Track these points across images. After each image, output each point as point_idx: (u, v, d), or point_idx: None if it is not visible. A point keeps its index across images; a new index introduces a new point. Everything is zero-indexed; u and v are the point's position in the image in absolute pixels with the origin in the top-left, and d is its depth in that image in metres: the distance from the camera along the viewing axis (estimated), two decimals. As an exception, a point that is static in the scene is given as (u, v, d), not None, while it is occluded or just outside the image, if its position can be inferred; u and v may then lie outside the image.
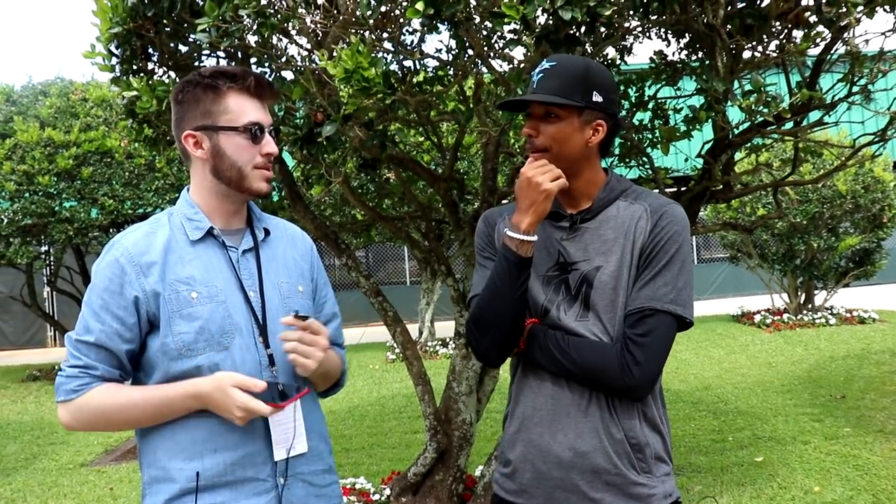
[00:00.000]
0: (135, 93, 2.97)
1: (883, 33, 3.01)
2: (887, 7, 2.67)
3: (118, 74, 3.16)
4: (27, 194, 9.25)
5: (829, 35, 3.06)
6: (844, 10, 2.54)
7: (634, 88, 3.76)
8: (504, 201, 4.20)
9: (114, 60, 3.12)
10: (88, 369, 1.60)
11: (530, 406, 1.75)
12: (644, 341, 1.62)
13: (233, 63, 3.29)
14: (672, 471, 1.75)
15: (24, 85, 10.78)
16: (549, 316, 1.72)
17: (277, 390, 1.62)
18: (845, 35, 3.13)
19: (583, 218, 1.74)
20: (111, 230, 9.79)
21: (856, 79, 3.33)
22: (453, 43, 2.90)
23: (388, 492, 4.24)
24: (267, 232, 1.80)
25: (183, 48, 3.27)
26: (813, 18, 2.74)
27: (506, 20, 2.24)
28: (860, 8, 2.54)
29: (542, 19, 2.46)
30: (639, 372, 1.60)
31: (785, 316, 11.22)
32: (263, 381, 1.58)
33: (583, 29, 2.44)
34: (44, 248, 11.07)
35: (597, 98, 1.68)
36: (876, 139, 3.62)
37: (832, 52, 3.32)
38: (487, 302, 1.71)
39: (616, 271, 1.67)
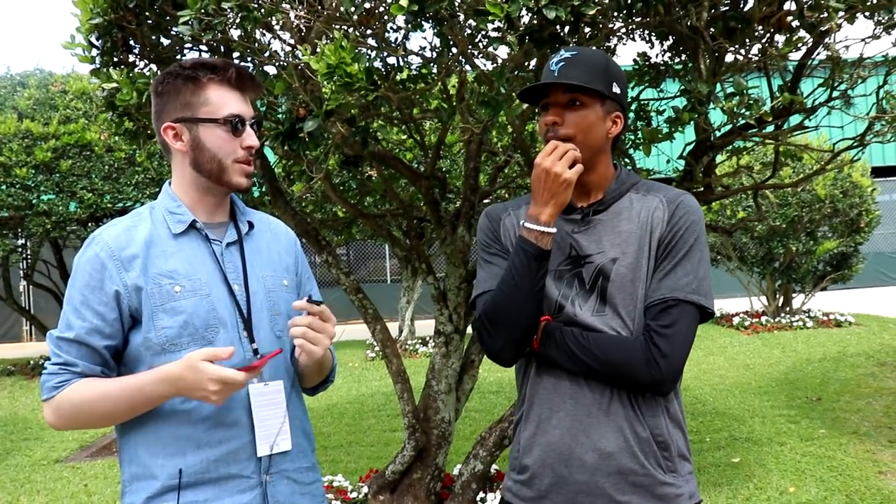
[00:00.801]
0: (115, 85, 2.94)
1: (863, 39, 3.05)
2: (867, 14, 2.70)
3: (98, 66, 3.12)
4: (4, 186, 9.12)
5: (811, 40, 3.09)
6: (826, 15, 2.56)
7: (617, 90, 3.77)
8: (486, 200, 4.20)
9: (94, 52, 3.08)
10: (69, 366, 1.58)
11: (547, 408, 1.68)
12: (669, 332, 1.57)
13: (215, 57, 3.27)
14: (693, 469, 1.70)
15: (2, 76, 10.65)
16: (563, 312, 1.66)
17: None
18: (826, 40, 3.16)
19: (595, 210, 1.70)
20: (90, 224, 9.69)
21: (836, 84, 3.36)
22: (437, 40, 2.89)
23: (365, 490, 4.23)
24: (251, 225, 1.78)
25: (164, 41, 3.24)
26: (795, 23, 2.76)
27: (490, 18, 2.24)
28: (841, 13, 2.57)
29: (526, 18, 2.46)
30: (665, 365, 1.55)
31: (763, 318, 11.32)
32: (231, 347, 1.54)
33: (567, 28, 2.44)
34: (20, 242, 10.95)
35: (616, 90, 1.66)
36: (855, 144, 3.66)
37: (813, 56, 3.35)
38: (504, 297, 1.64)
39: (634, 263, 1.63)
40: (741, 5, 2.88)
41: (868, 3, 2.62)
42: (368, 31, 2.89)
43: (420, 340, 11.10)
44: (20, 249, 11.16)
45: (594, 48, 1.98)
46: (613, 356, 1.58)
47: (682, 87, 3.01)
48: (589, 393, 1.63)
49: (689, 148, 3.65)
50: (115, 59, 3.13)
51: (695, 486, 1.67)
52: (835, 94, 3.40)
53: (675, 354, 1.56)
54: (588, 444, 1.61)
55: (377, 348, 9.65)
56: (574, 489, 1.62)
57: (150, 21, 3.01)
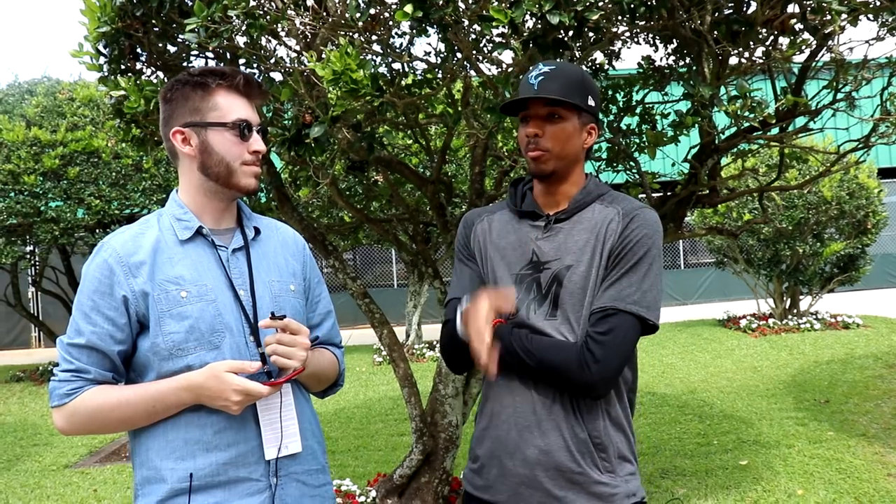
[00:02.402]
0: (122, 92, 2.96)
1: (867, 41, 3.05)
2: (870, 16, 2.70)
3: (106, 74, 3.14)
4: (12, 194, 9.17)
5: (815, 42, 3.09)
6: (829, 17, 2.56)
7: (622, 93, 3.78)
8: (491, 205, 4.21)
9: (102, 60, 3.10)
10: (81, 373, 1.60)
11: (499, 404, 1.78)
12: (604, 339, 1.64)
13: (221, 64, 3.29)
14: (637, 470, 1.78)
15: (9, 84, 10.71)
16: (517, 315, 1.75)
17: (268, 377, 1.64)
18: (830, 42, 3.17)
19: (558, 218, 1.78)
20: (97, 230, 9.73)
21: (840, 86, 3.37)
22: (442, 46, 2.91)
23: (373, 494, 4.24)
24: (257, 231, 1.80)
25: (171, 48, 3.27)
26: (798, 26, 2.77)
27: (494, 24, 2.25)
28: (844, 16, 2.57)
29: (530, 23, 2.48)
30: (597, 369, 1.62)
31: (770, 321, 11.28)
32: (258, 362, 1.59)
33: (570, 33, 2.45)
34: (29, 248, 10.99)
35: (591, 102, 1.75)
36: (860, 146, 3.66)
37: (817, 59, 3.35)
38: (446, 341, 1.81)
39: (586, 271, 1.71)
40: (744, 9, 2.89)
41: (871, 6, 2.62)
42: (373, 37, 2.91)
43: (427, 345, 11.10)
44: (29, 256, 11.20)
45: (570, 62, 2.05)
46: (551, 358, 1.67)
47: (687, 91, 3.02)
48: (535, 393, 1.72)
49: (693, 151, 3.66)
50: (123, 67, 3.16)
51: (636, 485, 1.75)
52: (839, 95, 3.40)
53: (608, 360, 1.63)
54: (530, 439, 1.71)
55: (384, 353, 9.65)
56: (516, 481, 1.72)
57: (157, 29, 3.04)
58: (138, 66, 3.22)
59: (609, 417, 1.72)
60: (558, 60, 1.80)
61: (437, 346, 9.05)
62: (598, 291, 1.69)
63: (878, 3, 2.64)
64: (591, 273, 1.70)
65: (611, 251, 1.70)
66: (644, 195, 3.75)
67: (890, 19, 2.78)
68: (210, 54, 3.29)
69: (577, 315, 1.69)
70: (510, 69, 3.00)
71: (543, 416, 1.70)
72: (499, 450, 1.76)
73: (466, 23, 2.65)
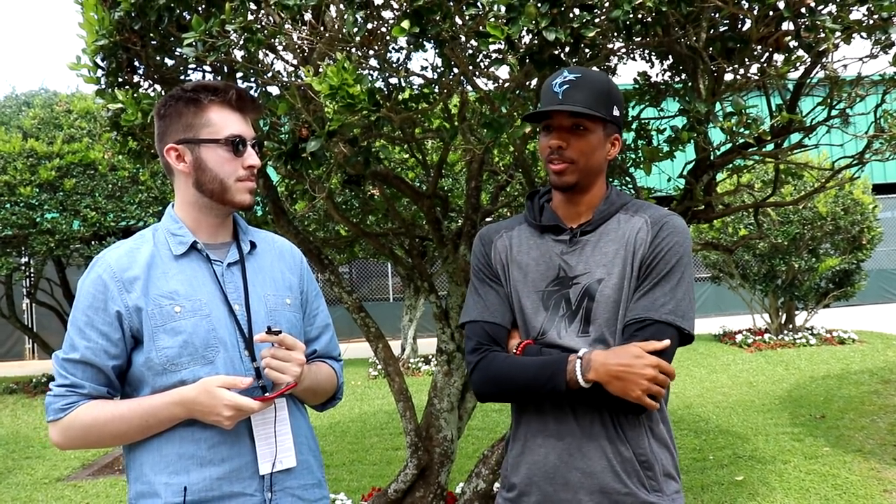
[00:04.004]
0: (120, 105, 2.97)
1: (860, 59, 3.07)
2: (864, 34, 2.72)
3: (103, 87, 3.15)
4: (8, 205, 9.16)
5: (809, 59, 3.11)
6: (823, 35, 2.58)
7: (618, 109, 3.79)
8: (488, 219, 4.22)
9: (99, 73, 3.11)
10: (75, 388, 1.60)
11: (533, 427, 1.71)
12: None
13: (219, 77, 3.30)
14: (681, 487, 1.71)
15: (7, 95, 10.73)
16: (546, 336, 1.68)
17: (262, 392, 1.64)
18: (824, 60, 3.19)
19: (583, 231, 1.72)
20: (93, 242, 9.71)
21: (834, 103, 3.38)
22: (439, 61, 2.92)
23: (368, 509, 4.22)
24: (253, 245, 1.79)
25: (169, 62, 3.27)
26: (793, 43, 2.78)
27: (491, 40, 2.26)
28: (838, 34, 2.59)
29: (526, 39, 2.49)
30: None
31: (766, 336, 11.29)
32: (249, 378, 1.59)
33: (567, 49, 2.47)
34: (24, 260, 10.96)
35: (616, 113, 1.69)
36: (854, 162, 3.68)
37: (812, 76, 3.37)
38: (507, 381, 1.67)
39: (618, 283, 1.64)
40: (739, 26, 2.91)
41: (864, 24, 2.64)
42: (371, 52, 2.93)
43: (422, 359, 11.08)
44: (24, 267, 11.18)
45: (596, 69, 2.00)
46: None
47: (682, 107, 3.03)
48: (571, 413, 1.65)
49: (689, 166, 3.67)
50: (120, 80, 3.16)
51: (681, 503, 1.69)
52: (833, 112, 3.42)
53: None
54: (571, 463, 1.64)
55: (380, 367, 9.63)
56: None
57: (154, 42, 3.05)
58: (136, 79, 3.23)
59: (653, 434, 1.66)
60: (584, 68, 1.74)
61: (433, 359, 9.03)
62: (631, 302, 1.63)
63: (871, 22, 2.66)
64: (623, 285, 1.64)
65: (642, 261, 1.65)
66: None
67: (883, 37, 2.80)
68: (208, 68, 3.29)
69: (611, 329, 1.63)
70: (507, 84, 3.01)
71: (583, 437, 1.63)
72: (537, 476, 1.68)
73: (463, 39, 2.66)
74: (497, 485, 4.16)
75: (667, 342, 1.57)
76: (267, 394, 1.63)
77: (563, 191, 1.73)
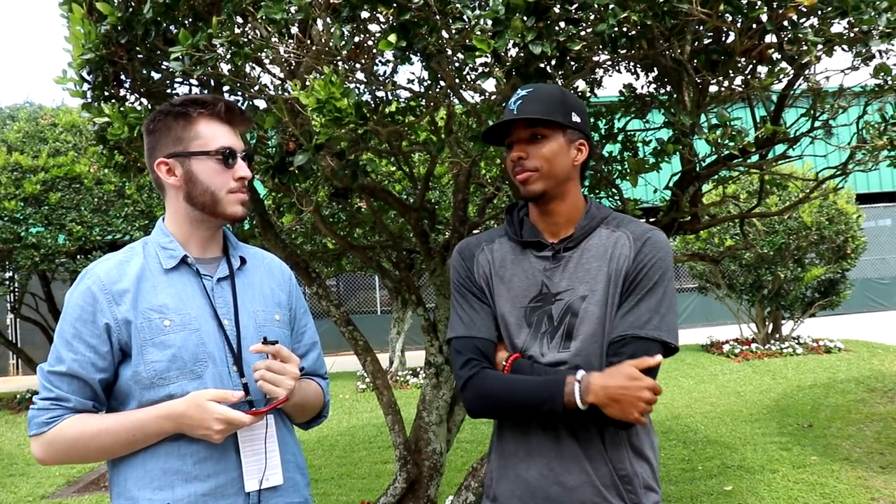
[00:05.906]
0: (106, 119, 2.95)
1: (842, 71, 3.10)
2: (845, 47, 2.75)
3: (90, 100, 3.14)
4: (-8, 219, 9.11)
5: (792, 72, 3.14)
6: (805, 48, 2.61)
7: (604, 121, 3.82)
8: (475, 231, 4.23)
9: (85, 86, 3.10)
10: (61, 401, 1.58)
11: (515, 440, 1.71)
12: None
13: (206, 91, 3.30)
14: (661, 499, 1.72)
15: (-9, 109, 10.66)
16: (528, 353, 1.69)
17: (250, 407, 1.62)
18: (807, 72, 3.22)
19: (565, 247, 1.72)
20: (78, 256, 9.65)
21: (818, 114, 3.42)
22: (425, 74, 2.93)
23: (357, 523, 4.19)
24: (243, 260, 1.79)
25: (156, 76, 3.27)
26: (776, 55, 2.81)
27: (477, 53, 2.27)
28: (820, 47, 2.62)
29: (513, 52, 2.51)
30: None
31: (753, 346, 11.34)
32: (240, 392, 1.57)
33: (553, 62, 2.48)
34: (8, 274, 10.87)
35: (575, 118, 1.71)
36: (838, 172, 3.71)
37: (795, 87, 3.40)
38: (505, 400, 1.64)
39: (602, 300, 1.65)
40: (723, 39, 2.94)
41: (845, 38, 2.68)
42: (357, 66, 2.93)
43: (410, 372, 11.05)
44: (8, 282, 11.08)
45: (549, 83, 2.03)
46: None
47: (667, 119, 3.05)
48: (552, 429, 1.66)
49: (675, 178, 3.69)
50: (107, 94, 3.15)
51: None
52: (817, 123, 3.45)
53: None
54: (551, 477, 1.65)
55: (368, 380, 9.60)
56: None
57: (141, 56, 3.04)
58: (122, 92, 3.22)
59: (632, 448, 1.67)
60: (538, 83, 1.77)
61: (421, 372, 9.01)
62: (616, 319, 1.64)
63: (851, 35, 2.69)
64: (607, 301, 1.65)
65: (626, 277, 1.65)
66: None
67: (863, 50, 2.83)
68: (194, 82, 3.29)
69: (595, 345, 1.63)
70: (493, 97, 3.02)
71: (563, 452, 1.64)
72: (519, 488, 1.68)
73: (450, 52, 2.67)
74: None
75: (658, 358, 1.58)
76: (255, 409, 1.62)
77: (533, 201, 1.75)
